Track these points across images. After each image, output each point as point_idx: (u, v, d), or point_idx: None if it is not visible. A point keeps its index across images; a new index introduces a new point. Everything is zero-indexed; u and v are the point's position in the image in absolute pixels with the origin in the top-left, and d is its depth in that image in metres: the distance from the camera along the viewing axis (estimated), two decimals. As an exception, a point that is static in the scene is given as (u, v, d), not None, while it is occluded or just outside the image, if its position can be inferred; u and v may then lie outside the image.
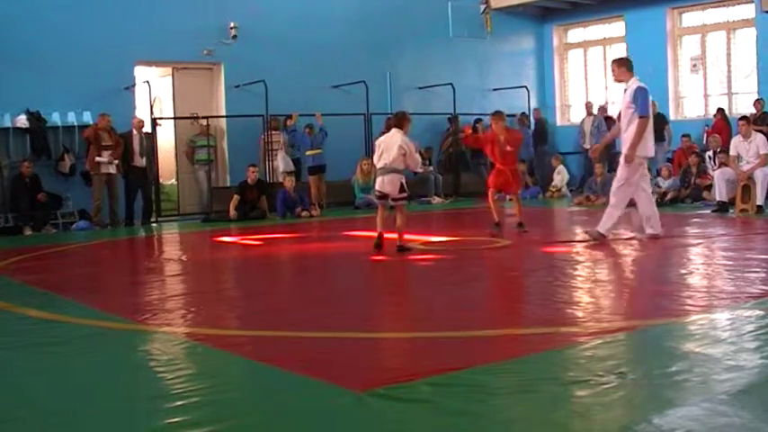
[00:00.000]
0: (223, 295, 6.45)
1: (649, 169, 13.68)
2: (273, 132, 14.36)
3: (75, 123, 12.79)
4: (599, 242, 8.15)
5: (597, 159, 13.04)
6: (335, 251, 8.60)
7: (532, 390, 3.39)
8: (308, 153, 14.22)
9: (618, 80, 8.44)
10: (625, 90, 8.24)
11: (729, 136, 13.12)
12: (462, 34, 17.29)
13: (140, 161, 12.86)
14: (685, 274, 6.36)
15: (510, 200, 10.65)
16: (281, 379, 3.75)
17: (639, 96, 8.03)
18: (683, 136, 14.89)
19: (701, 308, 4.91)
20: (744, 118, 12.02)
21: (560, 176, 16.33)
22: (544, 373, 3.65)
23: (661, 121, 15.60)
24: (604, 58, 18.25)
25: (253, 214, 13.03)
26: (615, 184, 8.35)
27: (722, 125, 14.53)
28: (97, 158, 12.25)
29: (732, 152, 11.79)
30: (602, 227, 8.29)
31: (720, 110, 15.08)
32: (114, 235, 11.66)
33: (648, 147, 8.24)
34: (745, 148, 11.55)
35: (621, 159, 8.24)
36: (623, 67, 8.32)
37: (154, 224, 12.98)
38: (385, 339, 4.51)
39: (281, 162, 14.20)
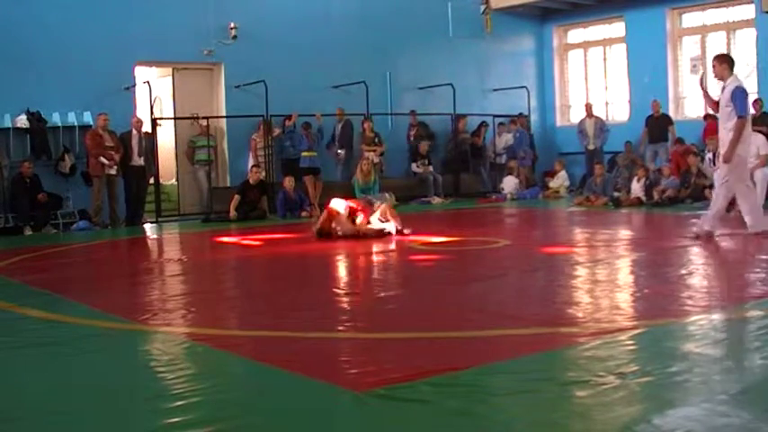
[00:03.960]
0: (223, 295, 6.45)
1: (648, 170, 13.88)
2: (258, 133, 14.38)
3: (76, 123, 12.79)
4: (705, 239, 8.03)
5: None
6: (336, 251, 8.59)
7: (532, 390, 3.39)
8: (303, 154, 14.21)
9: (718, 77, 8.30)
10: (723, 88, 8.13)
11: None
12: (462, 34, 17.29)
13: (138, 161, 12.87)
14: (685, 274, 6.36)
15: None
16: (281, 379, 3.74)
17: (738, 96, 7.94)
18: (677, 140, 14.92)
19: (701, 308, 4.91)
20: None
21: (560, 180, 16.41)
22: (544, 373, 3.64)
23: (665, 122, 15.65)
24: (604, 59, 18.28)
25: (253, 215, 13.02)
26: (716, 183, 8.36)
27: (715, 127, 14.52)
28: (101, 159, 12.25)
29: None
30: (706, 224, 8.18)
31: (709, 115, 15.13)
32: (114, 235, 11.66)
33: (746, 146, 8.15)
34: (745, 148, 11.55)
35: (721, 159, 8.17)
36: (724, 63, 8.22)
37: (154, 224, 12.99)
38: (385, 339, 4.50)
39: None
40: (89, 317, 5.35)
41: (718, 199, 8.20)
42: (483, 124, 16.96)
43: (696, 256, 7.38)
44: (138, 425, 3.21)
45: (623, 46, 17.51)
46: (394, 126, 16.44)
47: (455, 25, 17.21)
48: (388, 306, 5.59)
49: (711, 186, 12.27)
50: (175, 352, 4.39)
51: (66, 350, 4.49)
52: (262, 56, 14.50)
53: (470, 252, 8.31)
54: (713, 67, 8.39)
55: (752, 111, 13.96)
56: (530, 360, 3.87)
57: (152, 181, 13.50)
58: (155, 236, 11.75)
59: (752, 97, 14.66)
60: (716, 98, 8.32)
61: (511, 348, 4.17)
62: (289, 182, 13.35)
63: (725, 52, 9.21)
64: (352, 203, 9.79)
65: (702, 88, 8.73)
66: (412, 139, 16.11)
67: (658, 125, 15.55)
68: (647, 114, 15.80)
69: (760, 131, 12.02)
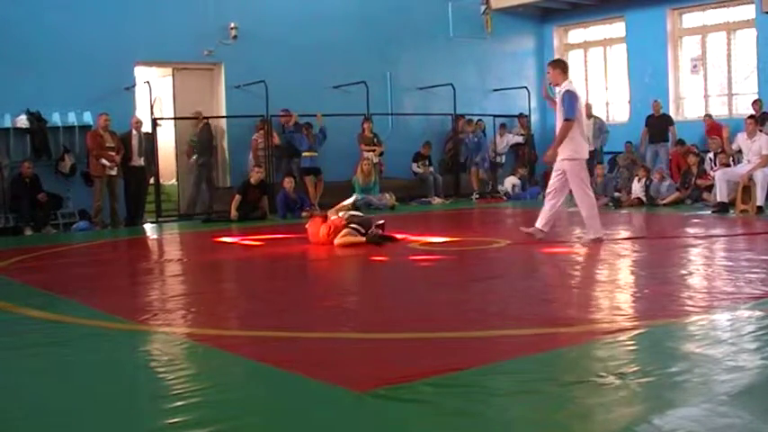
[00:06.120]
0: (223, 295, 6.45)
1: (648, 170, 13.87)
2: (258, 133, 14.34)
3: (76, 124, 12.79)
4: (538, 239, 8.39)
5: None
6: (336, 251, 8.59)
7: (533, 390, 3.39)
8: (304, 154, 14.21)
9: (553, 83, 8.50)
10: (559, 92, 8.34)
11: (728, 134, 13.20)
12: (462, 34, 17.29)
13: (138, 161, 12.87)
14: (685, 274, 6.36)
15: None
16: (281, 379, 3.75)
17: (566, 100, 8.13)
18: (678, 142, 14.93)
19: (702, 308, 4.91)
20: (752, 117, 12.20)
21: None
22: (544, 373, 3.64)
23: (666, 122, 15.66)
24: (605, 59, 18.28)
25: (253, 215, 13.02)
26: (549, 187, 8.60)
27: (714, 126, 14.58)
28: (102, 161, 12.25)
29: (734, 146, 12.00)
30: (539, 222, 8.52)
31: (708, 115, 15.25)
32: (115, 235, 11.65)
33: (581, 149, 8.33)
34: (747, 146, 11.68)
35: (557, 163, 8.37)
36: (557, 69, 8.42)
37: (154, 224, 12.98)
38: (385, 339, 4.50)
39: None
40: (89, 317, 5.35)
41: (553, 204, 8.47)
42: (478, 122, 16.92)
43: (696, 256, 7.38)
44: (138, 425, 3.21)
45: (623, 46, 17.51)
46: (394, 126, 16.43)
47: (455, 25, 17.21)
48: (388, 306, 5.59)
49: (711, 188, 12.33)
50: (175, 352, 4.39)
51: (66, 350, 4.49)
52: (262, 56, 14.50)
53: (470, 252, 8.31)
54: (547, 72, 8.56)
55: (752, 111, 14.03)
56: (530, 360, 3.87)
57: (152, 181, 13.50)
58: (155, 236, 11.75)
59: (753, 98, 14.74)
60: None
61: (511, 348, 4.17)
62: (289, 182, 13.35)
63: (559, 58, 9.49)
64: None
65: (547, 96, 9.02)
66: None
67: (659, 125, 15.56)
68: (647, 114, 15.81)
69: (762, 131, 12.07)
